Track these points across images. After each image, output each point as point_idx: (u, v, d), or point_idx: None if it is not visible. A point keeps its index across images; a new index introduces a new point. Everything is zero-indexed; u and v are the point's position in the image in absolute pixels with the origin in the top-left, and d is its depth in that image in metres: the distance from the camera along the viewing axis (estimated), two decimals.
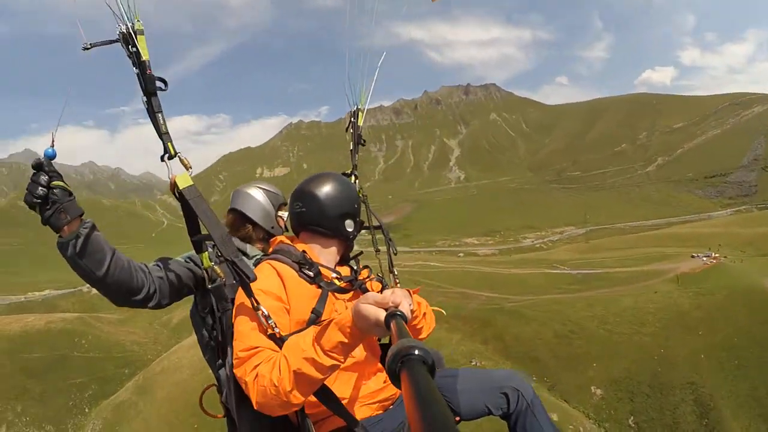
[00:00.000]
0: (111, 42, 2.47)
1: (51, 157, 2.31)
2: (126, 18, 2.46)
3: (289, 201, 2.94)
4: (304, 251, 2.61)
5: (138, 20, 2.48)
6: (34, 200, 2.25)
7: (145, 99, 2.49)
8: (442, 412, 0.87)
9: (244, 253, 3.15)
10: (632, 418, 37.62)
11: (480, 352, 47.36)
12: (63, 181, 2.33)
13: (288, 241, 2.75)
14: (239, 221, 3.47)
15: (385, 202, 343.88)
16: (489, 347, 48.89)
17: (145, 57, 2.47)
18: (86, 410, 56.32)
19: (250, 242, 3.48)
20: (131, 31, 2.44)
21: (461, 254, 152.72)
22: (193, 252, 2.96)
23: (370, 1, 3.87)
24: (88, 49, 2.44)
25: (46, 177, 2.27)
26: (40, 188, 2.24)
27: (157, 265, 2.85)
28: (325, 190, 2.74)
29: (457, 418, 2.68)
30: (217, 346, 2.83)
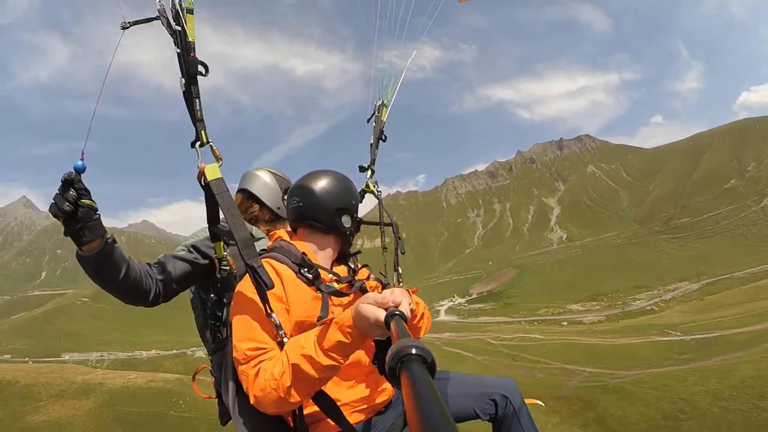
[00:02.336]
0: (151, 20, 2.40)
1: (80, 170, 2.27)
2: None
3: (287, 196, 2.94)
4: (304, 253, 2.58)
5: None
6: (60, 214, 2.24)
7: (184, 81, 2.42)
8: (443, 412, 0.88)
9: (251, 235, 3.03)
10: None
11: None
12: (91, 198, 2.31)
13: (287, 238, 2.75)
14: (246, 200, 3.51)
15: (486, 268, 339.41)
16: None
17: (191, 38, 2.40)
18: None
19: (256, 223, 3.51)
20: (179, 8, 2.37)
21: (564, 323, 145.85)
22: (198, 239, 3.12)
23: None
24: (126, 27, 2.39)
25: (75, 193, 2.24)
26: (66, 204, 2.22)
27: (159, 266, 2.90)
28: (322, 184, 2.74)
29: None
30: (215, 330, 2.91)
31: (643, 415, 45.92)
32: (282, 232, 2.80)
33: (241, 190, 3.54)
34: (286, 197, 3.51)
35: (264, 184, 3.53)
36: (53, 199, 2.26)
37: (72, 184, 2.25)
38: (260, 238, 3.29)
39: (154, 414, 66.83)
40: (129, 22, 2.38)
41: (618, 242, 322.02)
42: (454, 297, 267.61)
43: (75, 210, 2.26)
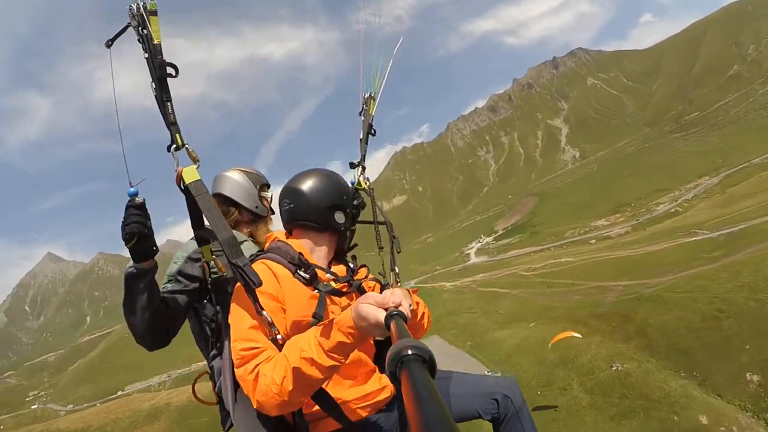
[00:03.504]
0: (126, 28, 2.41)
1: (136, 195, 2.40)
2: None
3: (278, 201, 2.90)
4: (300, 253, 2.57)
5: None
6: (144, 233, 2.39)
7: (154, 85, 2.38)
8: (443, 413, 0.88)
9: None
10: None
11: (621, 353, 45.32)
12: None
13: (284, 239, 2.73)
14: (223, 206, 3.34)
15: (506, 202, 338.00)
16: (631, 346, 46.58)
17: (156, 40, 2.37)
18: None
19: (237, 227, 3.41)
20: (143, 11, 2.35)
21: (593, 241, 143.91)
22: (180, 263, 3.00)
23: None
24: (110, 45, 2.43)
25: (148, 213, 2.41)
26: (149, 222, 2.40)
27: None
28: (310, 183, 2.74)
29: None
30: (211, 336, 2.95)
31: (682, 320, 45.94)
32: (279, 233, 2.82)
33: (215, 195, 3.37)
34: (262, 193, 3.56)
35: (236, 184, 3.42)
36: (133, 221, 2.35)
37: (145, 206, 2.41)
38: (243, 241, 3.19)
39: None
40: (110, 40, 2.42)
41: (631, 149, 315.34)
42: (480, 237, 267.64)
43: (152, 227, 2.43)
